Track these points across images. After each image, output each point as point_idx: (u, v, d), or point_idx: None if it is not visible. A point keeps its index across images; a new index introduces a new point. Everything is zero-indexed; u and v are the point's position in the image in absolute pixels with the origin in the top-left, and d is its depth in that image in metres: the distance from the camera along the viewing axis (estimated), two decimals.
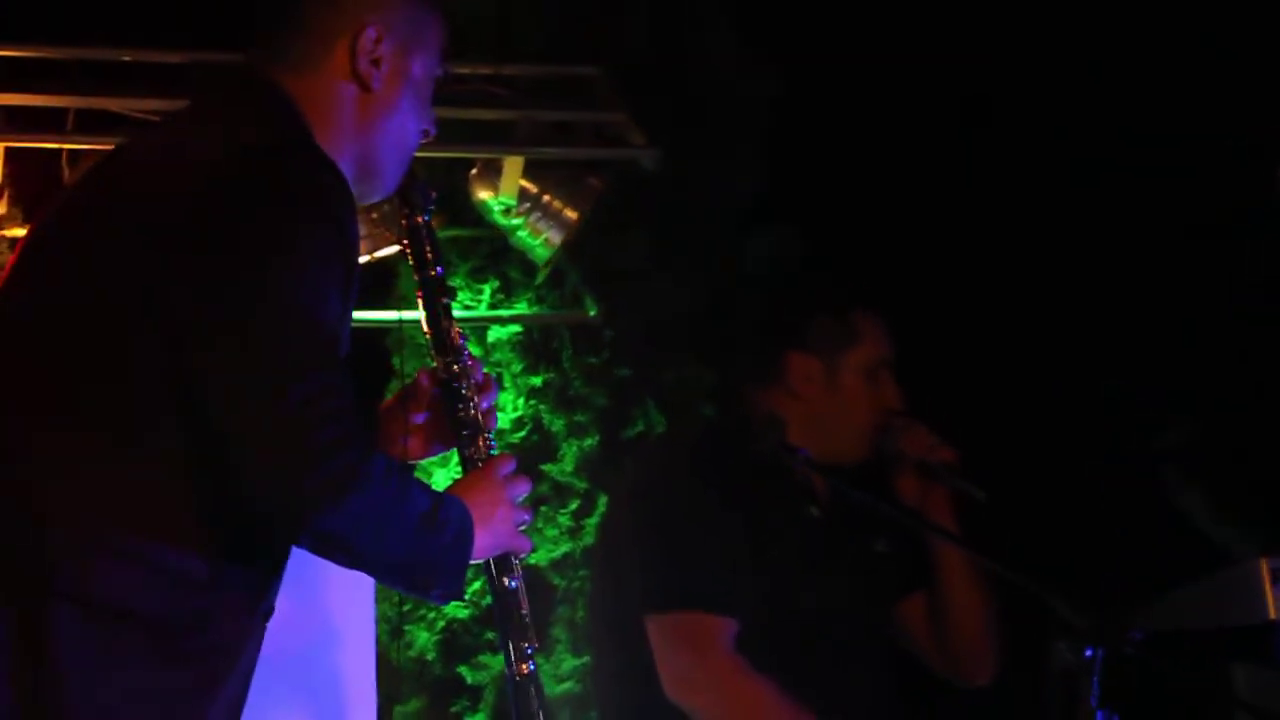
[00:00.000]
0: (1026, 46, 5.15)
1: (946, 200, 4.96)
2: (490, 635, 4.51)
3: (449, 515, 2.19)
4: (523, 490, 2.35)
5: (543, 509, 4.50)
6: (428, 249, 2.41)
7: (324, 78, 2.30)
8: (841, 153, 4.85)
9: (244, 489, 2.05)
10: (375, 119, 2.36)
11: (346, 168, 2.30)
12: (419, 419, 2.46)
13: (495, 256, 4.54)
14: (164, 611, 2.13)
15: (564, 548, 4.49)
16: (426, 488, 2.22)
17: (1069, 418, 4.87)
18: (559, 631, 4.51)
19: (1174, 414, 4.38)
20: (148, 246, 2.10)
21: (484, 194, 4.29)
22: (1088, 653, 2.70)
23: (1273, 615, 3.19)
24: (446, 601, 2.75)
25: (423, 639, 4.67)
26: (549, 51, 4.49)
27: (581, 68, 4.33)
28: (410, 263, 2.47)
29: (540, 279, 4.52)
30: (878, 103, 4.97)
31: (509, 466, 2.34)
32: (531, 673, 2.31)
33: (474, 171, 4.30)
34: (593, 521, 4.47)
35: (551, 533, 4.53)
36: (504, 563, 2.34)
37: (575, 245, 4.40)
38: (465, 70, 4.20)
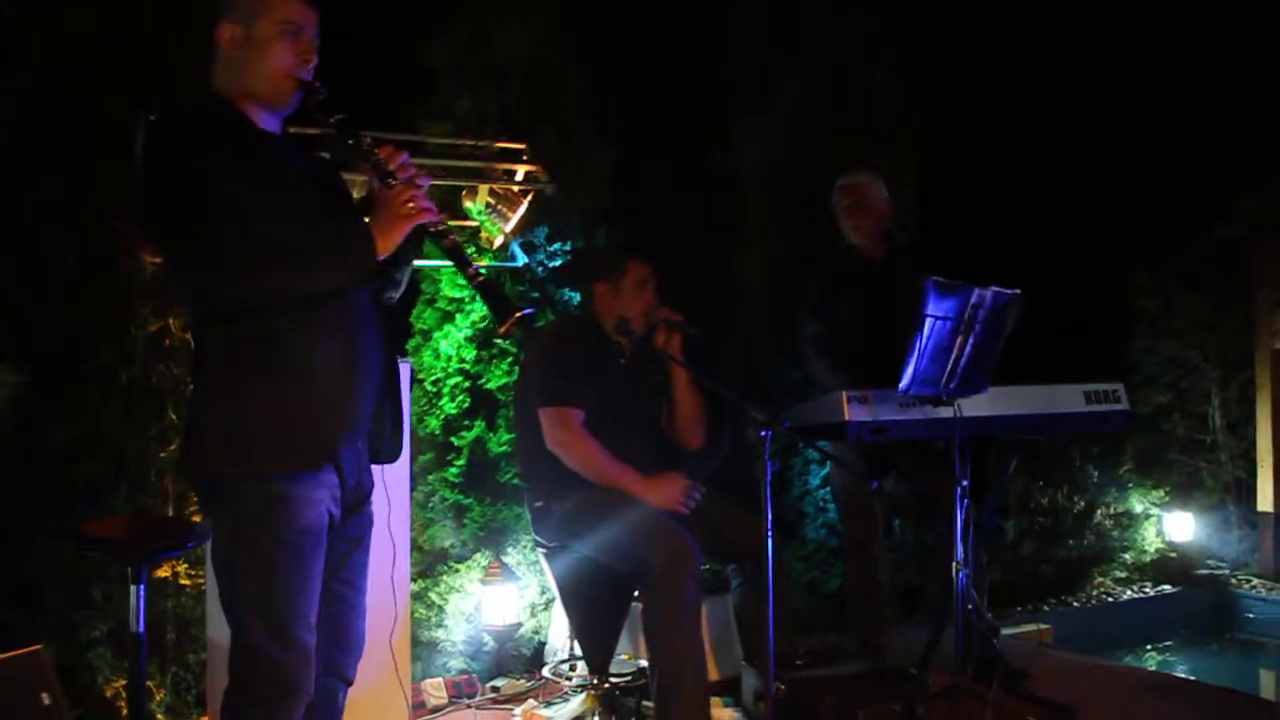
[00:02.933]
0: None
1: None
2: None
3: (346, 232, 2.51)
4: (415, 194, 2.51)
5: (495, 360, 4.99)
6: (346, 118, 2.57)
7: (218, 54, 2.64)
8: (643, 188, 5.66)
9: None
10: (241, 69, 2.61)
11: (244, 96, 2.61)
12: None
13: (473, 235, 4.94)
14: (263, 328, 2.48)
15: (507, 379, 4.99)
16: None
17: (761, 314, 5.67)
18: (501, 420, 5.01)
19: (810, 318, 4.61)
20: None
21: (468, 203, 4.88)
22: (763, 433, 3.45)
23: (846, 417, 3.83)
24: (366, 276, 2.55)
25: None
26: (504, 132, 4.99)
27: (517, 144, 4.90)
28: (346, 135, 2.58)
29: (495, 245, 4.98)
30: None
31: (400, 186, 2.53)
32: (486, 277, 2.62)
33: (464, 193, 4.85)
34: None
35: (501, 370, 5.03)
36: (432, 230, 2.57)
37: (512, 230, 4.91)
38: (468, 142, 4.83)
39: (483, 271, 2.62)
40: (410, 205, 2.52)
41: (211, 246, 2.41)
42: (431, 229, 2.58)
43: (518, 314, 2.58)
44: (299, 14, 2.64)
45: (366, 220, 2.60)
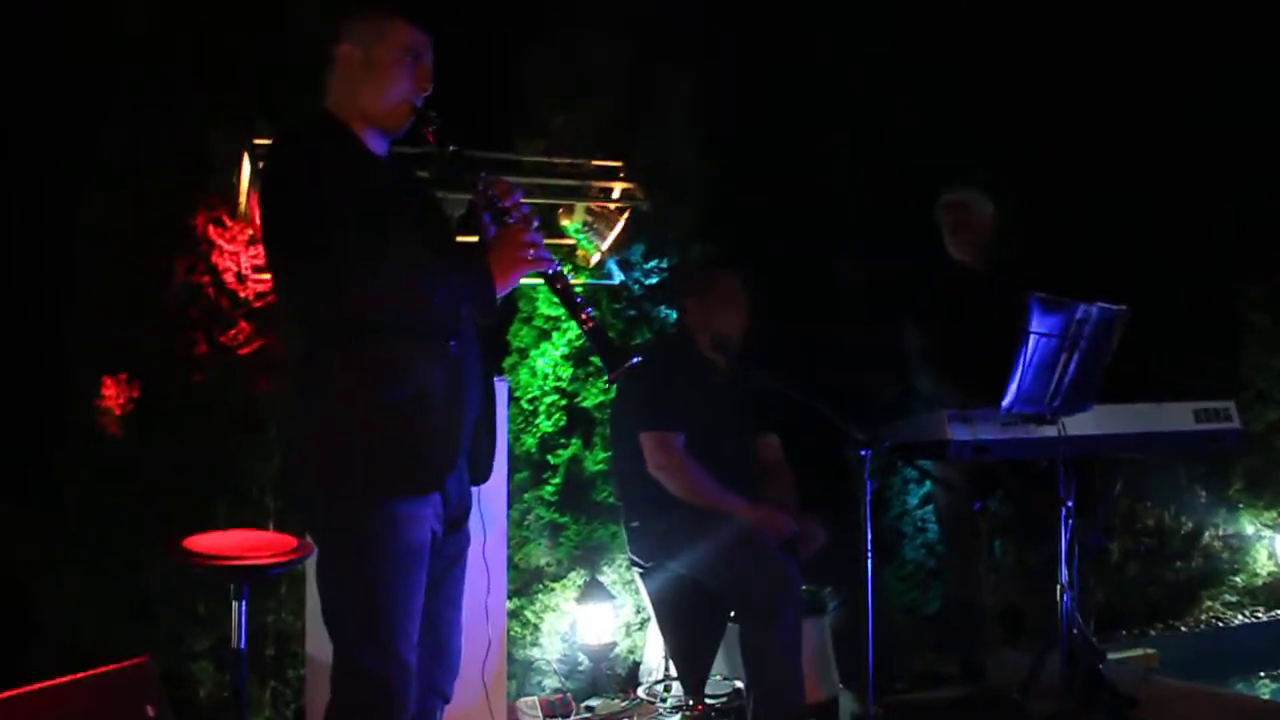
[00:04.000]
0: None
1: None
2: None
3: (463, 268, 2.53)
4: (533, 238, 2.57)
5: (591, 378, 4.95)
6: (460, 148, 2.65)
7: (334, 74, 2.68)
8: (740, 201, 5.59)
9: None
10: (358, 92, 2.63)
11: (359, 118, 2.64)
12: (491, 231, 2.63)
13: (570, 253, 4.94)
14: (378, 353, 2.50)
15: (603, 398, 4.95)
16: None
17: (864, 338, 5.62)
18: (597, 438, 4.98)
19: (915, 332, 4.68)
20: None
21: (565, 221, 4.93)
22: (863, 452, 3.53)
23: (947, 436, 3.86)
24: (487, 309, 2.59)
25: None
26: (600, 148, 4.94)
27: (615, 162, 4.88)
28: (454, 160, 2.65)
29: (591, 263, 4.98)
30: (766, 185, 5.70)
31: (518, 227, 2.57)
32: (597, 323, 2.67)
33: (560, 210, 4.89)
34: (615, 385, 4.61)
35: (598, 388, 4.98)
36: (547, 275, 2.63)
37: (609, 248, 4.95)
38: (565, 160, 4.80)
39: (594, 316, 2.66)
40: (530, 252, 2.56)
41: (334, 271, 2.43)
42: (547, 274, 2.63)
43: (627, 363, 2.63)
44: (418, 41, 2.67)
45: (473, 239, 2.68)
